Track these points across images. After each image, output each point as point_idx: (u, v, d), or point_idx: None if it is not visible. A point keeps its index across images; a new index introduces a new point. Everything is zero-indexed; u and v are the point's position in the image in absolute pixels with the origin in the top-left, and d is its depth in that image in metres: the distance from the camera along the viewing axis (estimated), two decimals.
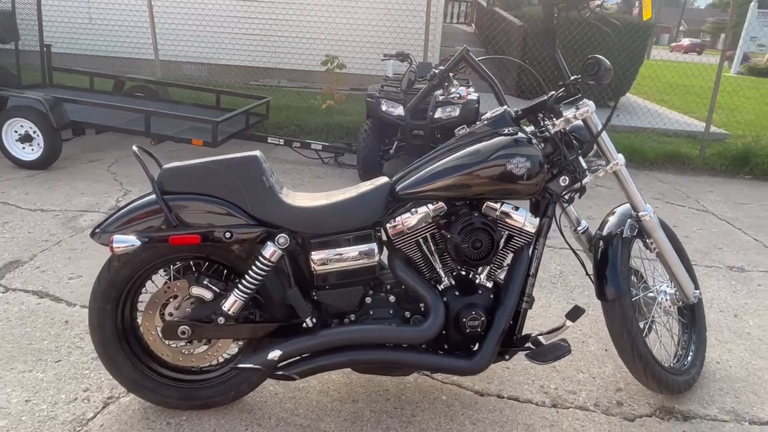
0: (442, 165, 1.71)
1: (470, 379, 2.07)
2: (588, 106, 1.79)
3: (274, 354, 1.63)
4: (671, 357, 2.12)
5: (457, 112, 4.12)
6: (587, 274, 2.01)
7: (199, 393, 1.80)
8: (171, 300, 1.73)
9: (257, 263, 1.63)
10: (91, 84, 5.52)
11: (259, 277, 1.63)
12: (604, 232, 1.99)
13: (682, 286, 2.00)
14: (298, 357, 1.67)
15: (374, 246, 1.70)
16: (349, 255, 1.68)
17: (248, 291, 1.64)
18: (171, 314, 1.73)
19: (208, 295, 1.67)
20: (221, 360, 1.85)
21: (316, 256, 1.67)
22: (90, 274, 2.69)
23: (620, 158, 1.90)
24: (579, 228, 2.04)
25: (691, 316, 2.18)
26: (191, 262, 1.77)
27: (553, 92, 1.83)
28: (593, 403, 1.99)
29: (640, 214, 1.94)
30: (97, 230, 1.64)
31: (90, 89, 5.44)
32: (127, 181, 4.16)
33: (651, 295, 2.05)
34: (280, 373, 1.65)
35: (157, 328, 1.75)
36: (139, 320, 1.82)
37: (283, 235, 1.62)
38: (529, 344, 1.79)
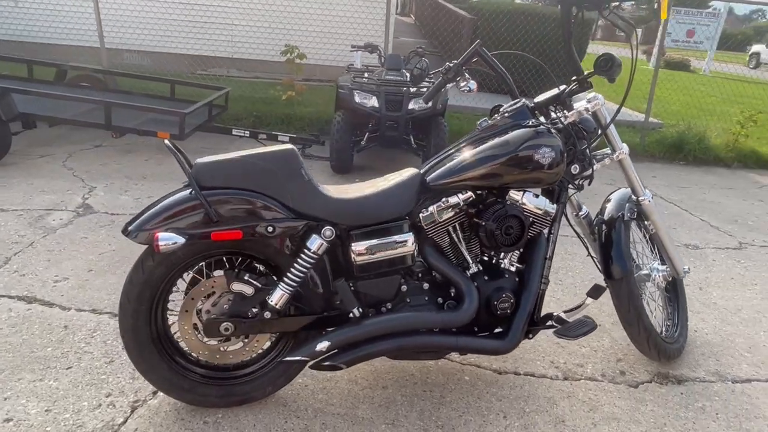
0: (472, 156, 1.79)
1: (487, 359, 2.17)
2: (599, 99, 1.93)
3: (323, 345, 1.65)
4: (662, 328, 2.33)
5: (429, 104, 4.20)
6: (589, 255, 2.17)
7: (237, 389, 1.78)
8: (206, 298, 1.70)
9: (303, 256, 1.64)
10: (29, 73, 5.11)
11: (305, 270, 1.64)
12: (606, 217, 2.14)
13: (674, 263, 2.21)
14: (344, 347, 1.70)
15: (411, 235, 1.75)
16: (388, 245, 1.72)
17: (294, 284, 1.64)
18: (208, 312, 1.70)
19: (248, 290, 1.66)
20: (255, 355, 1.83)
21: (356, 247, 1.69)
22: (76, 276, 2.56)
23: (625, 147, 2.06)
24: (581, 213, 2.19)
25: (674, 290, 2.41)
26: (224, 258, 1.75)
27: (565, 86, 1.95)
28: (600, 374, 2.16)
29: (640, 198, 2.11)
30: (130, 228, 1.58)
31: (30, 78, 5.04)
32: (89, 177, 3.93)
33: (645, 272, 2.24)
34: (328, 363, 1.67)
35: (195, 326, 1.71)
36: (171, 320, 1.78)
37: (329, 227, 1.64)
38: (551, 322, 1.91)
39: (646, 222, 2.18)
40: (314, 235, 1.64)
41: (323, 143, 5.02)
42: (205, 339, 1.72)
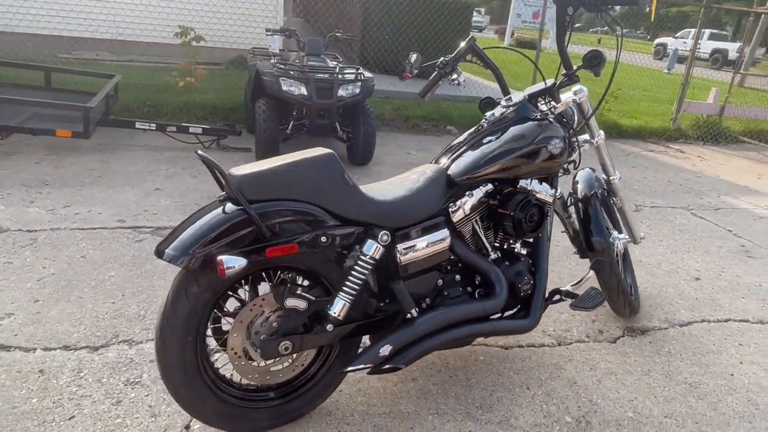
0: (493, 150, 1.88)
1: (494, 338, 2.32)
2: (584, 91, 2.13)
3: (385, 349, 1.64)
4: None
5: (358, 90, 4.20)
6: (565, 231, 2.42)
7: (288, 407, 1.70)
8: (256, 318, 1.59)
9: (360, 263, 1.60)
10: None
11: (363, 276, 1.60)
12: (580, 195, 2.39)
13: (633, 231, 2.54)
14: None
15: (447, 231, 1.80)
16: (430, 243, 1.75)
17: (354, 292, 1.60)
18: (257, 333, 1.58)
19: (302, 304, 1.58)
20: (302, 370, 1.75)
21: (402, 247, 1.70)
22: (23, 310, 2.18)
23: (601, 134, 2.30)
24: (557, 194, 2.41)
25: (625, 255, 2.77)
26: (263, 274, 1.64)
27: (554, 80, 2.12)
28: (585, 336, 2.43)
29: (611, 177, 2.39)
30: (170, 251, 1.41)
31: None
32: None
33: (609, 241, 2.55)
34: (388, 366, 1.67)
35: (244, 350, 1.59)
36: (211, 346, 1.63)
37: (385, 231, 1.62)
38: (559, 297, 2.11)
39: (614, 198, 2.47)
40: (369, 240, 1.61)
41: (240, 133, 4.76)
42: (257, 362, 1.61)
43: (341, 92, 4.13)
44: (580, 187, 2.42)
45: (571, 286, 2.14)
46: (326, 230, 1.56)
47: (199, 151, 1.52)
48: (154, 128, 4.44)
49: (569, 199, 2.44)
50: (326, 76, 4.09)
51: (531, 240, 2.05)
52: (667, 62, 15.83)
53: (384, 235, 1.62)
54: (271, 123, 4.12)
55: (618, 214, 2.53)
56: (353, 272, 1.60)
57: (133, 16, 6.87)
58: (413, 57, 2.17)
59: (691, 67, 7.47)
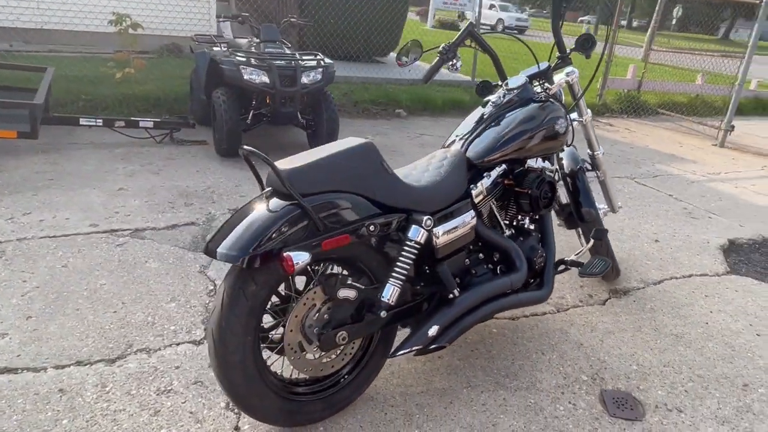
0: (508, 132, 1.97)
1: None
2: (576, 73, 2.27)
3: (433, 330, 1.70)
4: None
5: (320, 76, 4.14)
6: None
7: (337, 396, 1.72)
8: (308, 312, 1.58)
9: (406, 248, 1.63)
10: None
11: (411, 261, 1.64)
12: (567, 170, 2.55)
13: (612, 202, 2.75)
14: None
15: (473, 212, 1.87)
16: (460, 225, 1.82)
17: (403, 277, 1.63)
18: (311, 326, 1.58)
19: (353, 294, 1.60)
20: (351, 358, 1.77)
21: (438, 230, 1.75)
22: (17, 329, 2.02)
23: (589, 113, 2.46)
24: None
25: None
26: (308, 268, 1.63)
27: (548, 63, 2.24)
28: (578, 301, 2.62)
29: (596, 153, 2.56)
30: (227, 251, 1.37)
31: None
32: None
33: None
34: (434, 346, 1.73)
35: (299, 344, 1.58)
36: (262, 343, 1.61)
37: (428, 217, 1.66)
38: (565, 267, 2.26)
39: (597, 171, 2.65)
40: (414, 226, 1.64)
41: (194, 125, 4.56)
42: (311, 355, 1.61)
43: (304, 79, 4.05)
44: (565, 163, 2.58)
45: (575, 256, 2.30)
46: (373, 219, 1.58)
47: (246, 147, 1.47)
48: (101, 124, 4.15)
49: (556, 175, 2.59)
50: (288, 63, 4.00)
51: (537, 216, 2.18)
52: None
53: (428, 220, 1.66)
54: (233, 113, 3.98)
55: (600, 186, 2.72)
56: (400, 258, 1.63)
57: (48, 2, 6.28)
58: (412, 47, 2.20)
59: (613, 45, 8.00)
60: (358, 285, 1.62)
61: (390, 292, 1.62)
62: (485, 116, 2.07)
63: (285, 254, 1.37)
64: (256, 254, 1.38)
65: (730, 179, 5.07)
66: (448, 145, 2.07)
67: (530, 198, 1.98)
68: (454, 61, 2.23)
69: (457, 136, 2.10)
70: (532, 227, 2.16)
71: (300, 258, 1.38)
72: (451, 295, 1.78)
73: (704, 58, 8.49)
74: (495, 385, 1.99)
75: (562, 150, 2.35)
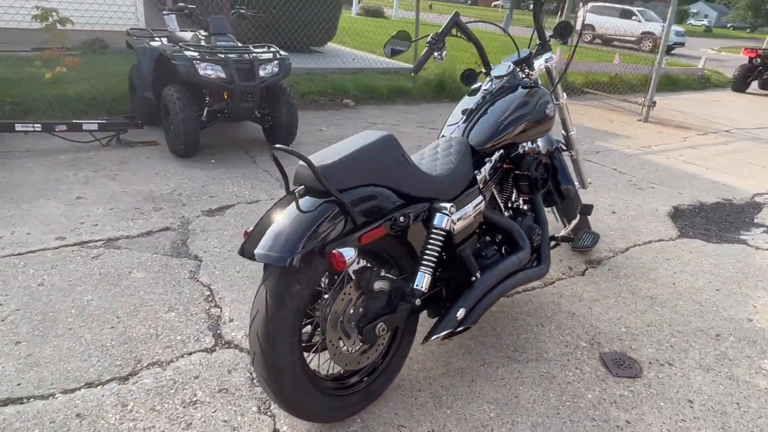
0: (506, 118, 2.05)
1: None
2: (554, 58, 2.39)
3: (461, 313, 1.76)
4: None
5: (277, 69, 4.05)
6: None
7: (373, 386, 1.74)
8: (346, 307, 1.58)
9: (433, 236, 1.67)
10: None
11: (438, 249, 1.68)
12: (544, 151, 2.68)
13: (583, 179, 2.93)
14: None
15: (482, 197, 1.94)
16: (473, 210, 1.89)
17: (433, 264, 1.67)
18: (349, 320, 1.59)
19: (387, 285, 1.62)
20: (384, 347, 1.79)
21: (456, 216, 1.80)
22: (10, 356, 1.86)
23: (564, 96, 2.60)
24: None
25: None
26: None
27: (529, 50, 2.34)
28: (561, 274, 2.79)
29: (570, 133, 2.71)
30: (275, 254, 1.36)
31: None
32: None
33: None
34: (461, 328, 1.79)
35: (339, 339, 1.58)
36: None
37: (452, 204, 1.71)
38: (557, 242, 2.39)
39: (571, 150, 2.81)
40: (438, 214, 1.68)
41: (142, 126, 4.33)
42: (349, 349, 1.62)
43: (261, 73, 3.95)
44: (541, 144, 2.70)
45: (564, 232, 2.44)
46: (402, 210, 1.61)
47: (278, 145, 1.44)
48: (39, 129, 3.83)
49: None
50: (245, 56, 3.88)
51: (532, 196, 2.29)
52: (503, 22, 17.39)
53: (452, 208, 1.71)
54: (189, 111, 3.81)
55: (572, 164, 2.89)
56: (428, 246, 1.67)
57: None
58: (401, 37, 2.22)
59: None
60: (390, 276, 1.64)
61: (423, 280, 1.66)
62: (481, 103, 2.14)
63: (334, 251, 1.37)
64: (302, 254, 1.37)
65: (661, 151, 5.52)
66: (446, 134, 2.12)
67: (529, 179, 2.08)
68: (440, 51, 2.28)
69: (452, 124, 2.15)
70: (526, 208, 2.28)
71: (348, 254, 1.39)
72: (473, 278, 1.85)
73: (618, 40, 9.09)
74: (507, 360, 2.09)
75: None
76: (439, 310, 1.87)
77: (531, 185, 2.09)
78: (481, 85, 2.25)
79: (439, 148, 1.99)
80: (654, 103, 7.03)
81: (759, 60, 10.74)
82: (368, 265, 1.69)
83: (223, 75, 3.78)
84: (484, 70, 2.37)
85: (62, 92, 4.74)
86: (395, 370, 1.82)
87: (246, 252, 1.43)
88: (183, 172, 3.74)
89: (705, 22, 53.92)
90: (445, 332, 1.74)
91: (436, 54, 2.30)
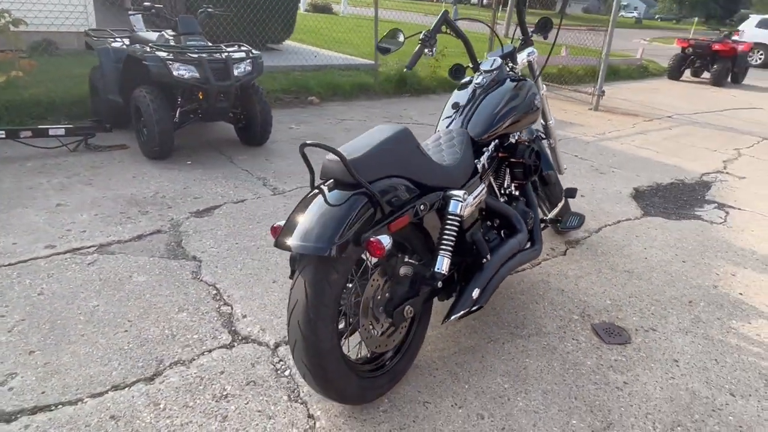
0: (500, 110, 2.18)
1: None
2: (535, 53, 2.55)
3: (476, 293, 1.88)
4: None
5: (251, 68, 4.05)
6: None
7: (398, 368, 1.84)
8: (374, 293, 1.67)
9: (449, 222, 1.78)
10: None
11: (455, 234, 1.79)
12: (525, 138, 2.85)
13: (560, 164, 3.12)
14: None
15: (483, 185, 2.07)
16: (477, 196, 2.01)
17: (450, 248, 1.78)
18: (377, 305, 1.68)
19: (410, 270, 1.72)
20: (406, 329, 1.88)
21: (467, 203, 1.92)
22: (24, 366, 1.84)
23: (544, 87, 2.77)
24: None
25: None
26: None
27: (512, 45, 2.49)
28: (545, 255, 2.97)
29: (549, 122, 2.89)
30: (314, 244, 1.43)
31: None
32: None
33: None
34: (476, 307, 1.91)
35: (370, 323, 1.67)
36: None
37: (464, 191, 1.82)
38: (545, 224, 2.56)
39: (550, 139, 2.99)
40: (453, 201, 1.79)
41: (110, 129, 4.22)
42: (378, 333, 1.71)
43: (235, 72, 3.93)
44: (523, 134, 2.88)
45: (552, 215, 2.61)
46: (421, 199, 1.71)
47: (308, 141, 1.51)
48: (3, 136, 3.68)
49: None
50: (218, 56, 3.85)
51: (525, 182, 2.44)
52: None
53: (465, 195, 1.82)
54: (163, 113, 3.76)
55: (550, 152, 3.08)
56: (445, 231, 1.78)
57: None
58: (394, 34, 2.31)
59: (495, 23, 8.65)
60: (413, 261, 1.74)
61: (443, 263, 1.77)
62: (475, 96, 2.26)
63: (372, 239, 1.46)
64: (340, 243, 1.44)
65: (615, 137, 5.87)
66: (441, 127, 2.23)
67: (524, 167, 2.23)
68: (431, 48, 2.38)
69: (448, 117, 2.26)
70: (517, 193, 2.43)
71: (386, 241, 1.47)
72: (484, 260, 1.97)
73: (567, 32, 9.52)
74: (511, 336, 2.24)
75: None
76: (449, 293, 1.99)
77: (525, 172, 2.24)
78: (470, 79, 2.37)
79: (441, 140, 2.10)
80: (603, 92, 7.43)
81: (691, 50, 11.49)
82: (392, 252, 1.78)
83: (197, 75, 3.74)
84: (471, 65, 2.50)
85: (18, 97, 4.53)
86: (415, 351, 1.93)
87: (282, 245, 1.49)
88: (161, 174, 3.68)
89: (635, 14, 56.70)
90: (463, 311, 1.86)
91: (426, 50, 2.42)
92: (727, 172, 4.85)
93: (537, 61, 2.63)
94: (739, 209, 3.92)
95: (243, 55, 4.00)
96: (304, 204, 1.56)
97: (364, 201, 1.53)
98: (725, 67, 11.09)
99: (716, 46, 11.12)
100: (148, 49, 3.75)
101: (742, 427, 1.85)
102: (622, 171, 4.63)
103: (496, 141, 2.23)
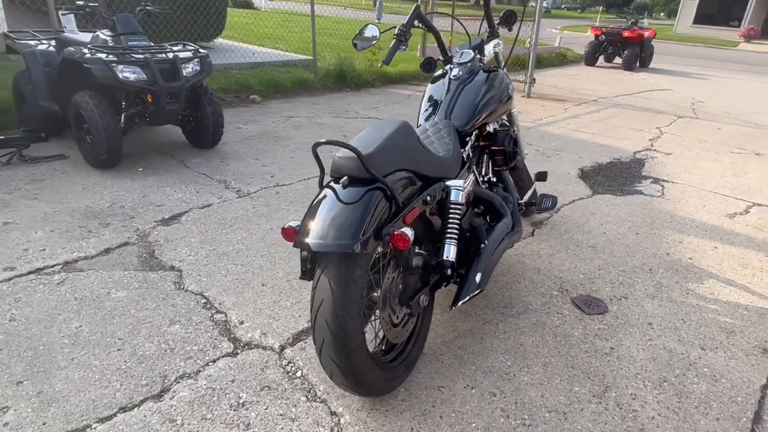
0: (480, 100, 2.27)
1: None
2: (501, 44, 2.66)
3: (478, 277, 1.95)
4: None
5: (199, 68, 3.90)
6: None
7: (411, 356, 1.88)
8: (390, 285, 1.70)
9: (452, 211, 1.84)
10: None
11: (459, 221, 1.85)
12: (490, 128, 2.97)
13: (522, 150, 3.26)
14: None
15: (472, 173, 2.15)
16: (470, 185, 2.08)
17: (456, 235, 1.84)
18: (393, 297, 1.71)
19: (420, 261, 1.76)
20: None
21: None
22: (17, 397, 1.71)
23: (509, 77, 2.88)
24: None
25: None
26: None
27: (480, 37, 2.58)
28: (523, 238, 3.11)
29: (512, 110, 3.01)
30: (339, 242, 1.43)
31: None
32: None
33: None
34: (477, 291, 1.98)
35: (389, 315, 1.69)
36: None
37: (463, 180, 1.88)
38: (523, 208, 2.69)
39: (513, 127, 3.12)
40: (455, 191, 1.85)
41: (47, 139, 3.94)
42: (396, 323, 1.74)
43: (184, 72, 3.77)
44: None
45: (526, 198, 2.74)
46: (428, 190, 1.75)
47: (321, 140, 1.50)
48: None
49: None
50: (165, 56, 3.67)
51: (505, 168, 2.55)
52: (376, 13, 17.84)
53: (465, 183, 1.89)
54: (110, 118, 3.54)
55: None
56: (450, 220, 1.84)
57: None
58: (371, 31, 2.33)
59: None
60: (422, 252, 1.79)
61: (450, 251, 1.83)
62: (454, 89, 2.32)
63: (396, 233, 1.48)
64: (365, 239, 1.46)
65: (552, 122, 6.20)
66: (426, 119, 2.29)
67: (505, 154, 2.33)
68: (405, 44, 2.43)
69: (428, 110, 2.32)
70: (495, 179, 2.53)
71: (410, 233, 1.51)
72: (482, 245, 2.05)
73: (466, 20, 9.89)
74: (503, 316, 2.35)
75: None
76: (448, 280, 2.05)
77: (506, 158, 2.35)
78: (444, 73, 2.44)
79: (429, 131, 2.15)
80: (534, 80, 7.80)
81: (603, 37, 12.29)
82: None
83: (144, 77, 3.56)
84: (442, 58, 2.57)
85: None
86: (424, 338, 1.98)
87: (302, 245, 1.48)
88: (113, 183, 3.48)
89: (545, 4, 59.60)
90: (470, 296, 1.93)
91: (402, 46, 2.46)
92: (655, 150, 5.28)
93: (502, 52, 2.74)
94: (673, 182, 4.30)
95: (190, 54, 3.85)
96: (319, 203, 1.56)
97: (380, 196, 1.55)
98: (634, 52, 11.96)
99: (626, 33, 11.96)
100: (87, 51, 3.51)
101: (716, 376, 2.06)
102: (565, 154, 4.92)
103: (477, 131, 2.32)
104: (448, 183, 1.88)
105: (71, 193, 3.28)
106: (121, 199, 3.25)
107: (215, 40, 8.63)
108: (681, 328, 2.34)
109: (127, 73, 3.50)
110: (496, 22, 2.59)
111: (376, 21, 19.20)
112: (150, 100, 3.67)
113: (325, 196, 1.57)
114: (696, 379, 2.03)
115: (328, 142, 1.51)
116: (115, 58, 3.46)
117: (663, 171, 4.59)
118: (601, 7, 27.62)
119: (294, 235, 1.54)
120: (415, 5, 2.43)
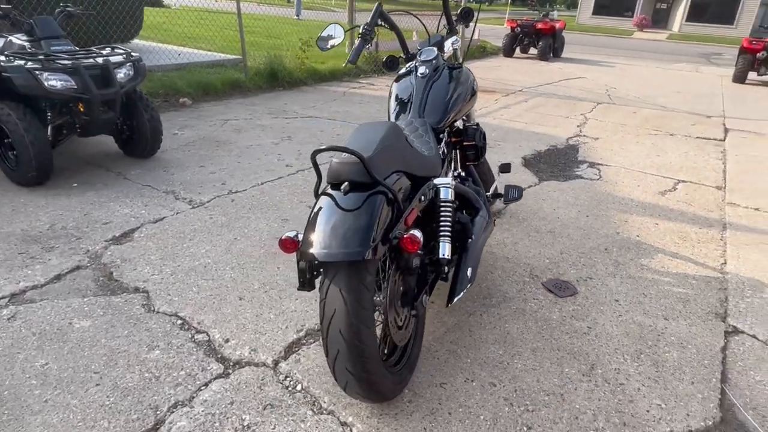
0: (450, 97, 2.29)
1: None
2: (459, 41, 2.70)
3: (469, 272, 1.98)
4: None
5: (132, 72, 3.64)
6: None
7: (413, 355, 1.87)
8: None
9: (443, 209, 1.85)
10: None
11: (451, 218, 1.86)
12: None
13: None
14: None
15: (450, 170, 2.18)
16: (451, 181, 2.10)
17: (450, 233, 1.85)
18: (397, 300, 1.69)
19: (418, 261, 1.75)
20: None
21: None
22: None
23: None
24: None
25: None
26: None
27: (440, 35, 2.62)
28: None
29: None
30: (351, 249, 1.40)
31: None
32: None
33: None
34: (469, 285, 2.01)
35: (396, 318, 1.67)
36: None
37: (452, 178, 1.89)
38: (491, 199, 2.76)
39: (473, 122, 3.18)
40: (443, 189, 1.86)
41: None
42: (401, 325, 1.72)
43: (119, 77, 3.50)
44: None
45: (492, 191, 2.82)
46: (421, 190, 1.75)
47: (321, 147, 1.46)
48: None
49: None
50: (96, 61, 3.39)
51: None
52: (294, 10, 17.54)
53: (453, 181, 1.90)
54: (37, 131, 3.22)
55: None
56: (442, 218, 1.85)
57: None
58: (335, 31, 2.29)
59: (354, 14, 8.78)
60: (420, 252, 1.78)
61: (446, 249, 1.84)
62: (422, 86, 2.33)
63: (406, 236, 1.47)
64: (375, 245, 1.44)
65: (487, 113, 6.41)
66: (396, 118, 2.28)
67: (476, 149, 2.38)
68: (370, 42, 2.42)
69: (397, 110, 2.31)
70: (464, 174, 2.58)
71: (419, 235, 1.50)
72: (469, 240, 2.08)
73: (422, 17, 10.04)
74: (485, 306, 2.40)
75: None
76: (443, 278, 2.07)
77: (477, 153, 2.40)
78: (410, 71, 2.44)
79: (407, 130, 2.14)
80: None
81: (519, 29, 12.85)
82: None
83: (73, 84, 3.26)
84: (403, 56, 2.58)
85: None
86: (422, 338, 1.98)
87: (308, 256, 1.43)
88: (47, 203, 3.18)
89: None
90: (463, 291, 1.96)
91: (367, 44, 2.44)
92: (584, 135, 5.61)
93: (460, 48, 2.78)
94: (606, 165, 4.59)
95: (122, 58, 3.58)
96: (320, 211, 1.51)
97: (383, 200, 1.53)
98: (548, 43, 12.62)
99: (539, 25, 12.59)
100: (4, 59, 3.17)
101: (683, 343, 2.23)
102: (505, 143, 5.10)
103: (449, 127, 2.35)
104: (436, 181, 1.89)
105: (0, 216, 2.96)
106: (60, 219, 2.97)
107: (132, 41, 8.09)
108: (644, 302, 2.51)
109: (54, 81, 3.20)
110: (454, 18, 2.63)
111: (296, 18, 18.91)
112: (82, 109, 3.38)
113: (325, 204, 1.53)
114: (667, 348, 2.19)
115: (330, 149, 1.47)
116: (39, 65, 3.15)
117: (596, 155, 4.89)
118: (508, 1, 28.86)
119: (294, 246, 1.49)
120: (377, 3, 2.41)
